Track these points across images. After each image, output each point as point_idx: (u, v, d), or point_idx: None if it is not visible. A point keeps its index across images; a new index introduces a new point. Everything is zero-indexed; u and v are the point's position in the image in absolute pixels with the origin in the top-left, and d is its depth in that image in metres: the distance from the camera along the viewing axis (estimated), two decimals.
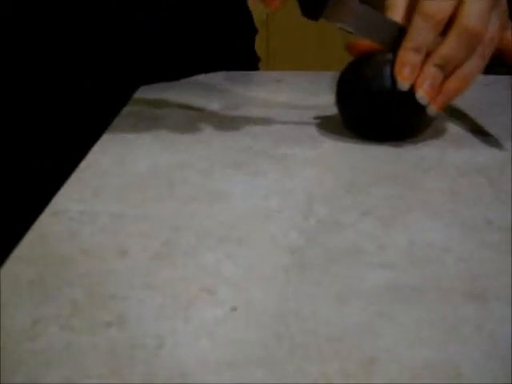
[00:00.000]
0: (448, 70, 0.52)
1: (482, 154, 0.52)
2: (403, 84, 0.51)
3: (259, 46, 0.83)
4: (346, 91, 0.55)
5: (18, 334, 0.32)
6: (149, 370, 0.30)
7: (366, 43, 0.55)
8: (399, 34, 0.53)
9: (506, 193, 0.46)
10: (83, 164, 0.51)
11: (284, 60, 1.86)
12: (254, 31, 0.82)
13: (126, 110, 0.63)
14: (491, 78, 0.57)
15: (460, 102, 0.59)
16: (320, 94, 0.56)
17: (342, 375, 0.30)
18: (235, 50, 0.78)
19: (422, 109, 0.52)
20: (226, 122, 0.59)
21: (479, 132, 0.56)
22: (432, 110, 0.52)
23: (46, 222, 0.43)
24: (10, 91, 0.67)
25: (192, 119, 0.60)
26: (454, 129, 0.57)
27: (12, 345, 0.32)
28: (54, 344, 0.32)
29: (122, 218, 0.43)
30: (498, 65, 0.63)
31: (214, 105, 0.63)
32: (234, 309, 0.34)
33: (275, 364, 0.30)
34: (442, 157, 0.52)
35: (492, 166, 0.50)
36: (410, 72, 0.51)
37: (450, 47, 0.51)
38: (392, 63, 0.52)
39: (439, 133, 0.56)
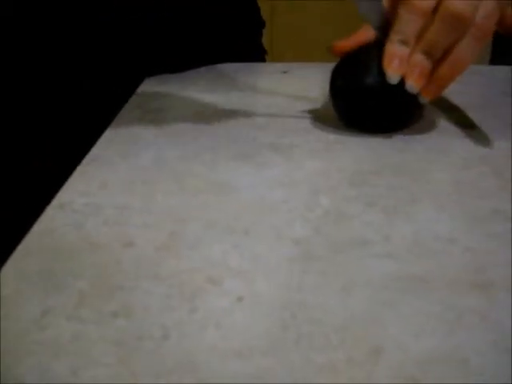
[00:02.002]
0: (436, 56, 0.50)
1: (485, 145, 0.52)
2: (393, 77, 0.51)
3: (264, 37, 0.83)
4: (338, 91, 0.55)
5: (27, 324, 0.33)
6: (156, 360, 0.30)
7: (348, 43, 0.55)
8: (382, 15, 0.52)
9: (511, 182, 0.46)
10: (88, 157, 0.51)
11: (289, 52, 1.86)
12: (262, 24, 0.82)
13: (131, 102, 0.63)
14: (495, 68, 0.57)
15: (465, 93, 0.60)
16: (325, 86, 0.56)
17: (348, 364, 0.30)
18: (242, 43, 0.78)
19: (414, 99, 0.52)
20: (232, 114, 0.59)
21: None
22: (423, 98, 0.52)
23: (52, 214, 0.43)
24: (11, 90, 0.67)
25: (197, 111, 0.60)
26: (452, 122, 0.57)
27: (21, 335, 0.32)
28: (62, 334, 0.32)
29: (127, 209, 0.43)
30: (505, 54, 0.62)
31: (219, 96, 0.63)
32: (240, 299, 0.34)
33: (282, 353, 0.30)
34: (447, 148, 0.52)
35: (496, 156, 0.50)
36: (399, 64, 0.51)
37: (434, 32, 0.50)
38: (379, 57, 0.52)
39: (440, 125, 0.56)
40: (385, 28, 0.52)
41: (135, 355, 0.30)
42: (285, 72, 0.70)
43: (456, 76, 0.52)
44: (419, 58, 0.51)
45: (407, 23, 0.50)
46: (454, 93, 0.57)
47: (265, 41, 0.83)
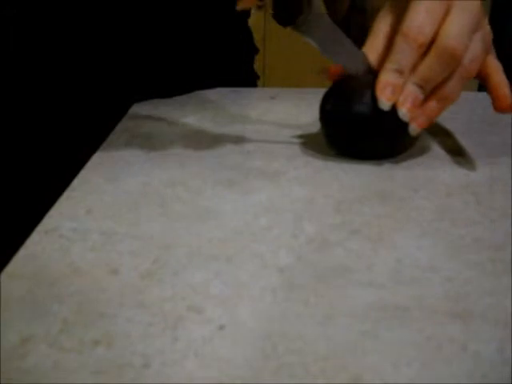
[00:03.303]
0: (428, 89, 0.52)
1: (470, 172, 0.53)
2: (385, 104, 0.52)
3: (256, 63, 0.84)
4: (327, 116, 0.56)
5: (8, 351, 0.33)
6: None
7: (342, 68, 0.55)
8: (362, 63, 0.54)
9: (494, 211, 0.46)
10: (76, 181, 0.51)
11: (280, 77, 1.87)
12: (254, 50, 0.83)
13: (120, 126, 0.63)
14: (479, 95, 0.57)
15: (450, 120, 0.60)
16: (314, 112, 0.57)
17: None
18: (235, 68, 0.78)
19: (404, 128, 0.53)
20: (219, 139, 0.59)
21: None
22: (414, 129, 0.53)
23: (37, 239, 0.43)
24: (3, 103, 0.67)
25: (185, 136, 0.60)
26: (442, 147, 0.58)
27: (1, 362, 0.32)
28: (43, 363, 0.32)
29: (113, 236, 0.43)
30: None
31: (207, 122, 0.64)
32: (222, 328, 0.34)
33: (261, 383, 0.31)
34: (431, 175, 0.52)
35: (480, 184, 0.50)
36: (392, 92, 0.52)
37: (429, 67, 0.51)
38: (371, 85, 0.53)
39: (428, 151, 0.57)
40: (355, 67, 0.54)
41: None
42: (273, 97, 0.71)
43: (442, 111, 0.53)
44: (413, 88, 0.52)
45: (403, 54, 0.52)
46: (438, 119, 0.57)
47: (257, 66, 0.84)
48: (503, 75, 0.55)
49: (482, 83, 0.56)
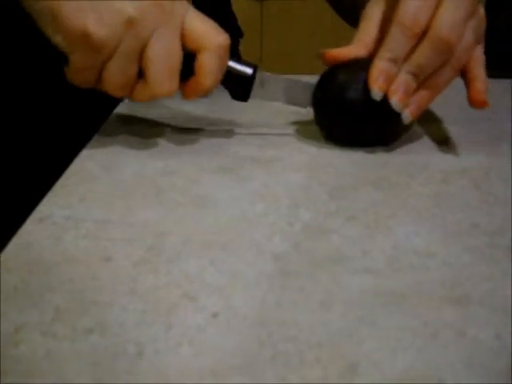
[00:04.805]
0: (420, 78, 0.52)
1: (467, 158, 0.53)
2: (377, 94, 0.51)
3: (253, 49, 0.83)
4: (320, 101, 0.55)
5: (1, 340, 0.32)
6: (130, 378, 0.30)
7: (340, 54, 0.55)
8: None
9: (491, 196, 0.46)
10: (70, 169, 0.51)
11: (278, 63, 1.86)
12: (238, 32, 0.82)
13: (115, 114, 0.63)
14: None
15: (446, 106, 0.60)
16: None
17: (323, 382, 0.30)
18: None
19: (396, 115, 0.52)
20: (213, 127, 0.59)
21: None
22: (407, 117, 0.52)
23: (31, 227, 0.43)
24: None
25: (180, 124, 0.60)
26: (438, 134, 0.58)
27: None
28: (36, 351, 0.31)
29: (107, 223, 0.43)
30: (491, 68, 0.63)
31: (201, 109, 0.63)
32: (216, 315, 0.34)
33: (256, 371, 0.30)
34: (428, 161, 0.52)
35: (477, 170, 0.50)
36: (384, 81, 0.51)
37: (423, 56, 0.51)
38: (365, 71, 0.52)
39: (424, 138, 0.57)
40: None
41: (109, 373, 0.30)
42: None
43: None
44: (406, 77, 0.52)
45: (398, 43, 0.51)
46: (435, 105, 0.57)
47: (255, 53, 0.83)
48: (483, 70, 0.55)
49: (461, 74, 0.55)
